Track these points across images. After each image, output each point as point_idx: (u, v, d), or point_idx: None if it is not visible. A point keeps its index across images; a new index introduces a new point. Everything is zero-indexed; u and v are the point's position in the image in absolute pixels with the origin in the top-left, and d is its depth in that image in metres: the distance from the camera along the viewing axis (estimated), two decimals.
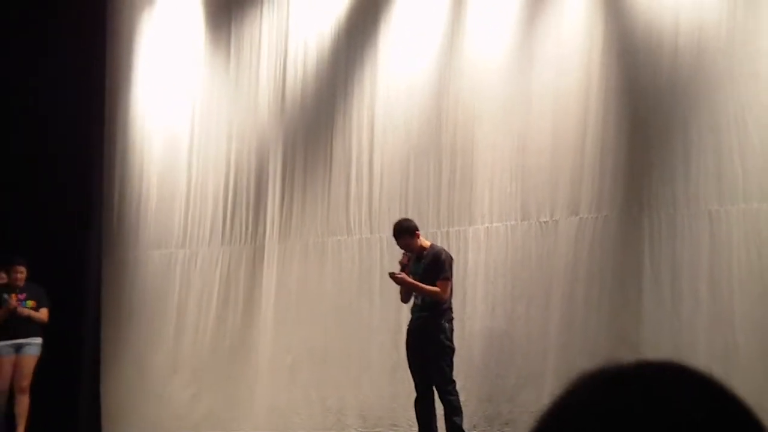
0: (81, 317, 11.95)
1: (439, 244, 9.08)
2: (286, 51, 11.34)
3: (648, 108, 8.90)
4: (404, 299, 8.87)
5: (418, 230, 8.78)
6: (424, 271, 8.56)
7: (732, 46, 8.48)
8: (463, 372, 8.99)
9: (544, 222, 9.43)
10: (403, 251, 8.80)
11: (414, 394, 8.84)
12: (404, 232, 8.72)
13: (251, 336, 11.11)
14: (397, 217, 10.13)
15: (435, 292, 8.49)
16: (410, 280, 8.54)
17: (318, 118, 11.04)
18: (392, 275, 8.64)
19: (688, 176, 8.58)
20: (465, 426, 8.70)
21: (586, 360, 8.80)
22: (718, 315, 8.27)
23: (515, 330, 9.45)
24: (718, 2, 8.63)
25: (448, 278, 8.56)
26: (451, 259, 8.72)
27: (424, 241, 8.81)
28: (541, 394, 9.11)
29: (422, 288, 8.51)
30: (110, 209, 12.31)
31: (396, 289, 9.31)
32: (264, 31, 11.53)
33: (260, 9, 11.62)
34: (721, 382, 1.13)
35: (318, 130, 11.02)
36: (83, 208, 12.16)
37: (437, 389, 8.61)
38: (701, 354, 8.19)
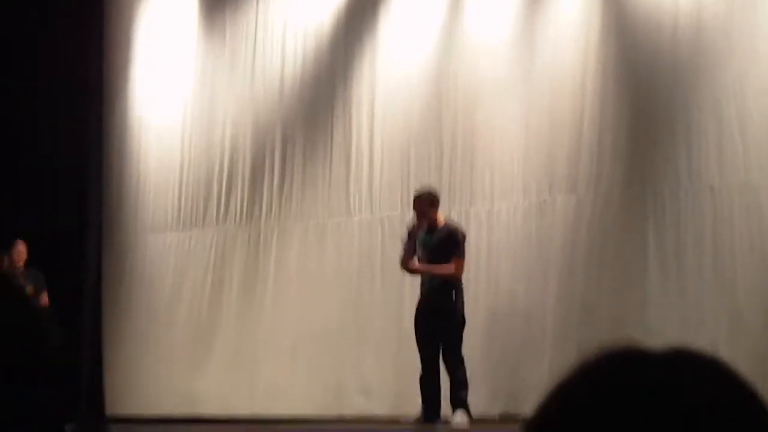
0: (82, 301, 12.08)
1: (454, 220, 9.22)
2: (284, 35, 11.52)
3: (649, 87, 9.13)
4: (407, 263, 8.98)
5: (438, 204, 8.95)
6: (438, 245, 8.74)
7: (730, 23, 8.72)
8: (467, 349, 9.09)
9: (543, 201, 9.65)
10: (415, 219, 8.90)
11: (417, 373, 8.98)
12: (426, 198, 8.88)
13: (249, 317, 11.29)
14: (398, 198, 10.40)
15: (449, 272, 8.72)
16: (424, 267, 8.72)
17: (317, 101, 11.21)
18: (407, 269, 8.76)
19: (690, 153, 8.83)
20: (470, 400, 8.85)
21: (586, 337, 9.03)
22: (722, 287, 8.53)
23: (516, 308, 9.68)
24: None
25: (463, 256, 8.77)
26: (465, 236, 8.91)
27: (440, 216, 8.97)
28: (542, 369, 9.34)
29: (437, 270, 8.72)
30: (109, 195, 12.48)
31: (397, 269, 9.56)
32: (260, 15, 11.71)
33: None
34: (747, 381, 1.10)
35: (317, 113, 11.19)
36: (83, 194, 12.31)
37: (446, 362, 8.77)
38: (708, 327, 8.44)
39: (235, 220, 11.61)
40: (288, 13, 11.53)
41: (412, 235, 8.88)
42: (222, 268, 11.57)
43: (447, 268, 8.70)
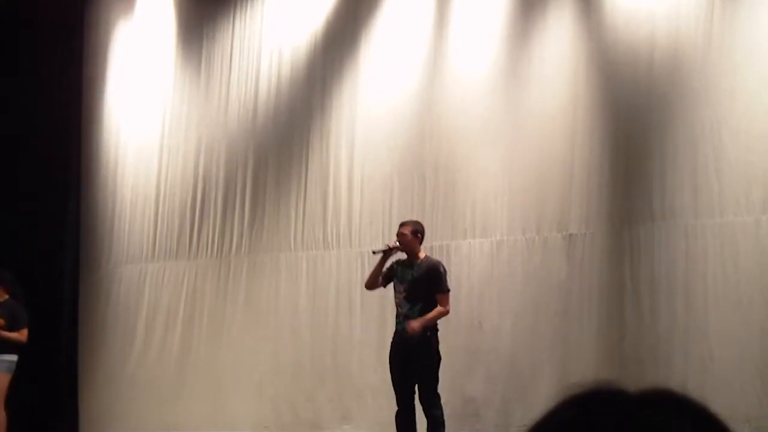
0: (58, 333, 12.42)
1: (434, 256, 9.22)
2: (258, 65, 11.89)
3: (628, 123, 9.39)
4: (371, 285, 9.05)
5: (423, 237, 8.96)
6: (416, 280, 8.79)
7: (708, 61, 8.98)
8: (447, 388, 9.07)
9: (529, 238, 9.90)
10: (396, 240, 8.91)
11: (395, 408, 9.17)
12: (412, 226, 8.94)
13: (216, 351, 11.66)
14: (380, 232, 10.69)
15: (441, 313, 8.72)
16: (422, 324, 8.63)
17: (292, 132, 11.55)
18: (408, 329, 8.67)
19: (665, 190, 9.09)
20: None
21: (576, 375, 9.26)
22: (694, 328, 8.77)
23: (501, 345, 9.89)
24: (695, 17, 9.14)
25: (446, 291, 8.78)
26: (446, 270, 8.85)
27: (421, 251, 8.98)
28: (529, 410, 9.51)
29: (431, 320, 8.67)
30: (86, 225, 12.86)
31: (376, 299, 9.77)
32: (235, 45, 12.11)
33: (232, 22, 12.19)
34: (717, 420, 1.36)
35: (292, 144, 11.53)
36: (60, 225, 12.66)
37: (422, 402, 8.80)
38: (677, 367, 8.69)
39: (206, 253, 11.98)
40: (265, 40, 11.90)
41: (390, 252, 8.86)
42: (194, 300, 11.96)
43: (439, 312, 8.69)
